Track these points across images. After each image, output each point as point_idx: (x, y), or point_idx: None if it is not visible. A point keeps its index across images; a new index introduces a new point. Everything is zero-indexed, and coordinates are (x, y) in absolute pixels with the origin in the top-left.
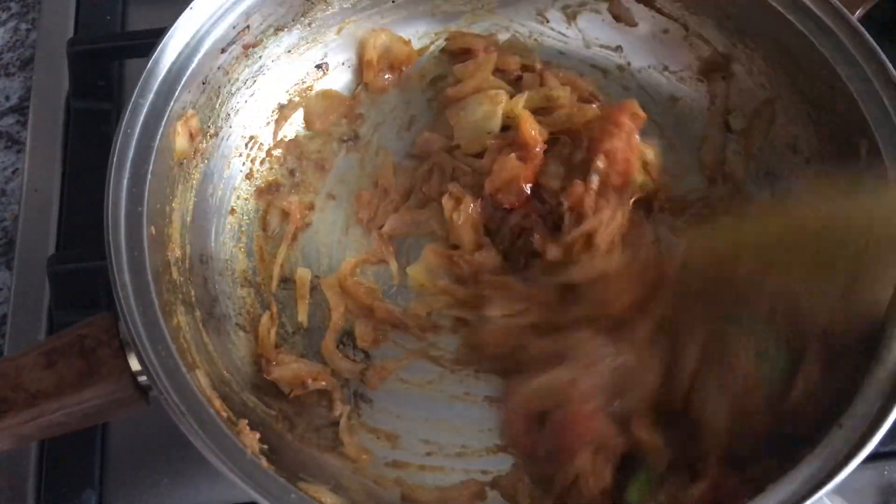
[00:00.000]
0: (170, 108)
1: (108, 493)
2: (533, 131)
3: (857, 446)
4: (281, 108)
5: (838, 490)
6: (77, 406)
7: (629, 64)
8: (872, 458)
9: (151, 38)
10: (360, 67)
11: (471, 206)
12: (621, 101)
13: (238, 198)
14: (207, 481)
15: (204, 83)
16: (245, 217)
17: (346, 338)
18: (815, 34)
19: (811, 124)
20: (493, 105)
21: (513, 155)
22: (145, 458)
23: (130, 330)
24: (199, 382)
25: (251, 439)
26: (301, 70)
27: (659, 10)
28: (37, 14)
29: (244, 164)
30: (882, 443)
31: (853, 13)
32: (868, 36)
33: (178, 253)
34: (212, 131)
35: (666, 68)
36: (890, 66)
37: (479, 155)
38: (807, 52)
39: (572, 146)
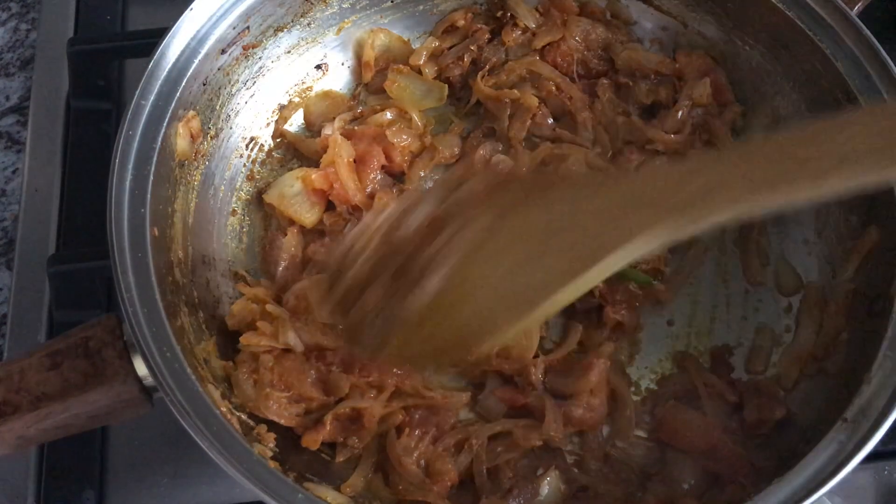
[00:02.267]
0: (171, 109)
1: (108, 493)
2: None
3: (862, 440)
4: (281, 108)
5: (838, 490)
6: (82, 408)
7: None
8: (872, 457)
9: (151, 38)
10: (360, 68)
11: None
12: None
13: (239, 199)
14: (207, 481)
15: (204, 84)
16: (246, 218)
17: None
18: (815, 30)
19: (811, 120)
20: None
21: None
22: (145, 458)
23: (135, 331)
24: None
25: (269, 439)
26: (301, 70)
27: (658, 8)
28: (37, 14)
29: (245, 165)
30: (882, 442)
31: (852, 9)
32: (867, 32)
33: (180, 254)
34: (212, 132)
35: None
36: (890, 62)
37: None
38: (806, 49)
39: None
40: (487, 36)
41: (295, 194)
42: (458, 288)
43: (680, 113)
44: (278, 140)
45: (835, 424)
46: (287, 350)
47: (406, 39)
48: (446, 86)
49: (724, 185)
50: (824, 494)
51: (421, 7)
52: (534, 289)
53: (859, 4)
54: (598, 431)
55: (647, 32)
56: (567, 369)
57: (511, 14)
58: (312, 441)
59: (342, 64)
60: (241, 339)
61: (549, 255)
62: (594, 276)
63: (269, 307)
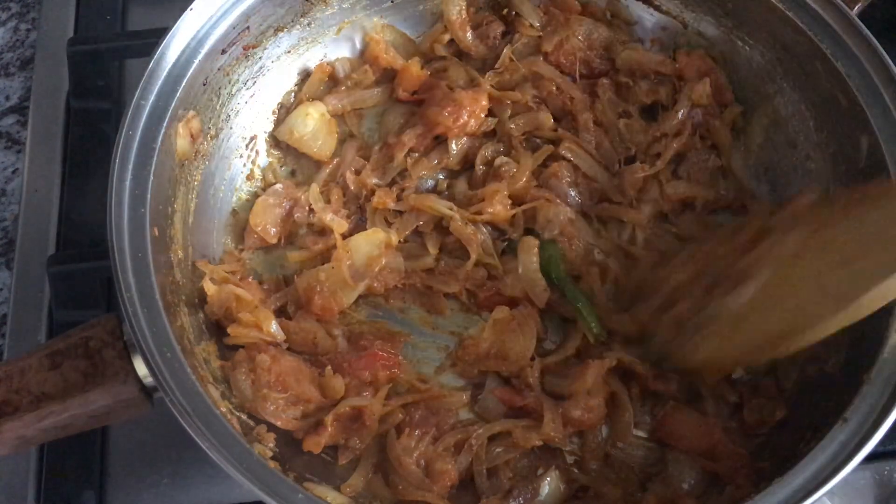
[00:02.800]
0: (171, 109)
1: (108, 493)
2: None
3: (862, 440)
4: (281, 108)
5: (838, 490)
6: (82, 408)
7: None
8: (872, 457)
9: (151, 38)
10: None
11: None
12: None
13: (239, 199)
14: (207, 481)
15: (205, 84)
16: (246, 218)
17: None
18: (814, 30)
19: (811, 120)
20: None
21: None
22: (145, 458)
23: (135, 331)
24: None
25: (268, 439)
26: (301, 70)
27: (657, 8)
28: (37, 14)
29: (245, 164)
30: (882, 443)
31: (852, 9)
32: (867, 32)
33: (180, 254)
34: (212, 132)
35: None
36: (890, 62)
37: None
38: (806, 48)
39: None
40: (502, 29)
41: (307, 130)
42: (777, 287)
43: (680, 113)
44: (278, 140)
45: (835, 424)
46: (285, 351)
47: (408, 39)
48: None
49: None
50: (824, 494)
51: (421, 7)
52: (847, 286)
53: (859, 4)
54: (597, 431)
55: (647, 32)
56: (564, 370)
57: (516, 12)
58: (314, 444)
59: None
60: (228, 330)
61: (859, 260)
62: None
63: (240, 292)
